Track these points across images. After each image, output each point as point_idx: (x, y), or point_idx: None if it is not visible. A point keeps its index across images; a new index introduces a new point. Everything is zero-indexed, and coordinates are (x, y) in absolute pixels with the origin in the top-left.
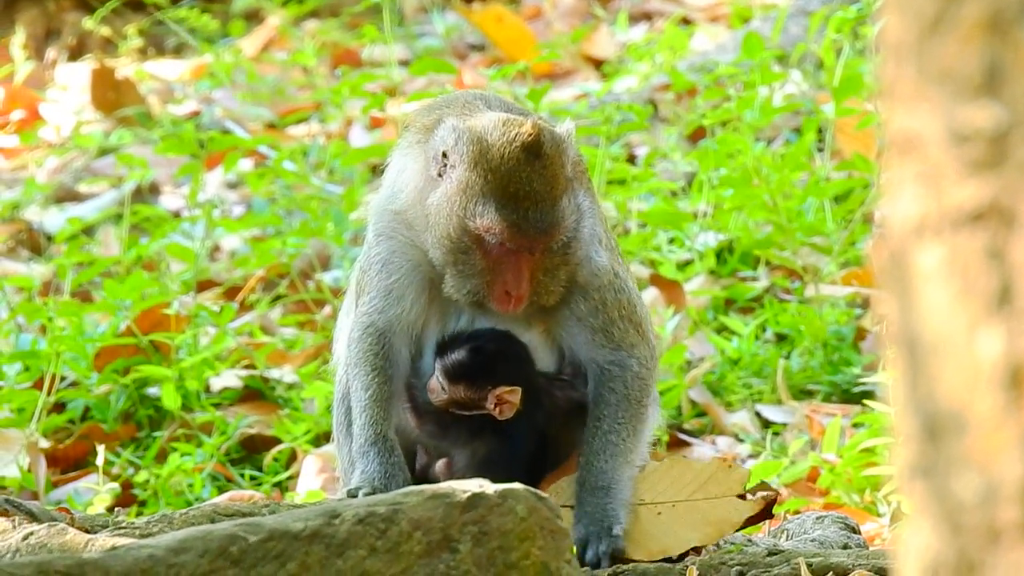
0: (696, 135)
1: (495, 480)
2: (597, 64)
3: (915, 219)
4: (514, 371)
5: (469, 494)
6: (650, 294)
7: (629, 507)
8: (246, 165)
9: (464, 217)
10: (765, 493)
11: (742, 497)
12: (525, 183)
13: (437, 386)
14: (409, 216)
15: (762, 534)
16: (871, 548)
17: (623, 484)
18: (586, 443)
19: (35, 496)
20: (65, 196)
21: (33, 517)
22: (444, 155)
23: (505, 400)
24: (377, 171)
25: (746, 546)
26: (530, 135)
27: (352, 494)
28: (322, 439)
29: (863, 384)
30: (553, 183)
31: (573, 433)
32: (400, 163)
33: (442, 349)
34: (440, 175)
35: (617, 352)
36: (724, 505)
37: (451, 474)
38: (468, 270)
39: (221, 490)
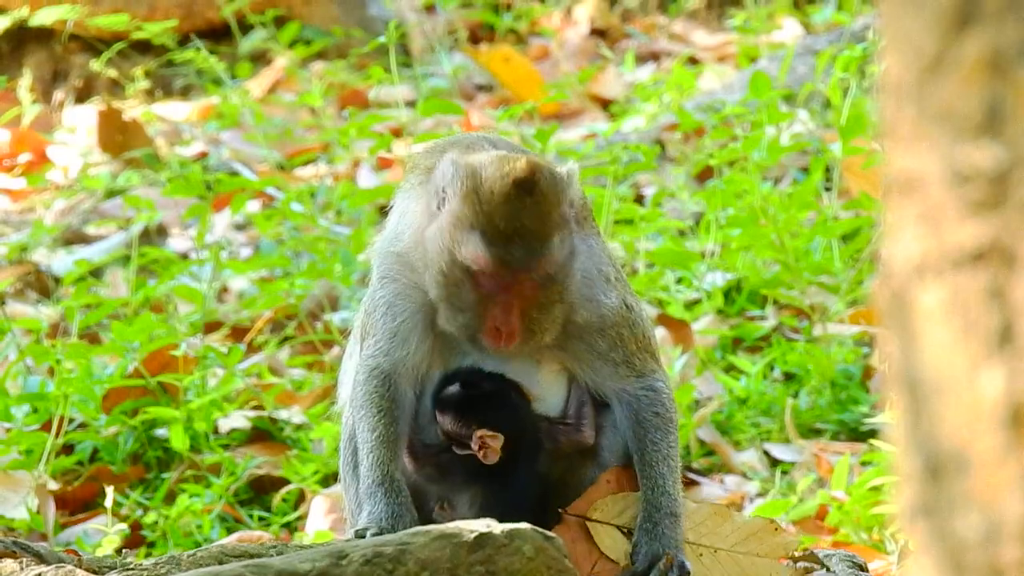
0: (704, 175)
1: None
2: (604, 104)
3: (916, 259)
4: (502, 417)
5: (476, 534)
6: (658, 334)
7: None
8: (254, 206)
9: (453, 248)
10: (809, 564)
11: (786, 560)
12: (514, 218)
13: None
14: (412, 257)
15: None
16: None
17: (683, 512)
18: (648, 465)
19: (44, 538)
20: (73, 238)
21: (41, 559)
22: (442, 190)
23: (487, 444)
24: (384, 212)
25: None
26: (524, 171)
27: (359, 535)
28: (331, 480)
29: (871, 422)
30: (544, 220)
31: (578, 476)
32: (403, 205)
33: (444, 381)
34: (439, 208)
35: (644, 379)
36: (766, 565)
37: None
38: (459, 304)
39: (230, 531)
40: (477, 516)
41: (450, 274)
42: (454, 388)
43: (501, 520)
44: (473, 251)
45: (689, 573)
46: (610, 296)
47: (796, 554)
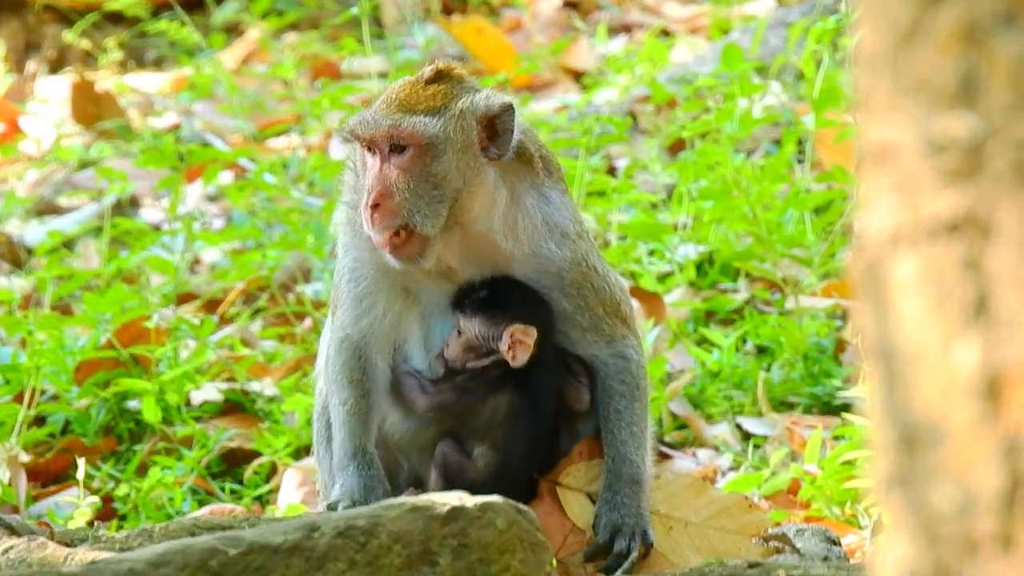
0: (676, 147)
1: (521, 437)
2: (577, 76)
3: (891, 229)
4: (529, 311)
5: (449, 507)
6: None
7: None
8: (226, 178)
9: (348, 126)
10: (779, 544)
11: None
12: (394, 91)
13: (453, 335)
14: (358, 221)
15: None
16: (852, 560)
17: (649, 477)
18: (610, 433)
19: (15, 510)
20: (45, 209)
21: (13, 531)
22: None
23: (519, 340)
24: None
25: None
26: (433, 67)
27: (332, 507)
28: (303, 452)
29: (843, 396)
30: (425, 101)
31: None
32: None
33: (461, 294)
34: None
35: (613, 345)
36: (735, 542)
37: (463, 451)
38: (356, 196)
39: (202, 504)
40: (504, 431)
41: (352, 168)
42: (478, 290)
43: (527, 432)
44: (352, 118)
45: (651, 544)
46: (564, 249)
47: (767, 533)
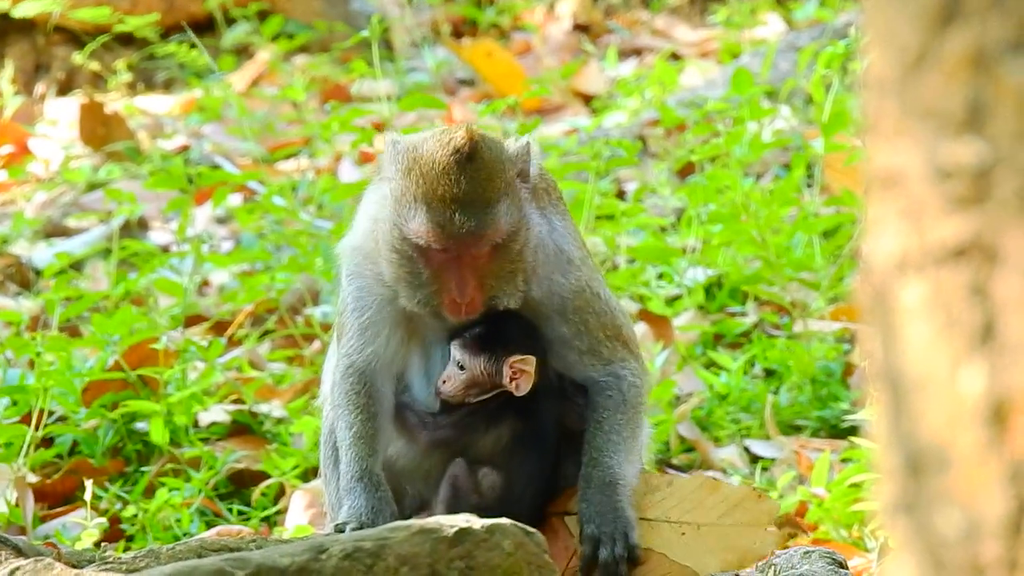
0: (685, 170)
1: (525, 461)
2: (587, 99)
3: (898, 255)
4: (525, 340)
5: (456, 529)
6: (639, 329)
7: (634, 504)
8: (235, 200)
9: (400, 224)
10: (792, 529)
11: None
12: (454, 185)
13: (453, 370)
14: (370, 248)
15: (751, 568)
16: None
17: (629, 480)
18: (588, 443)
19: (23, 531)
20: (54, 231)
21: (20, 552)
22: (390, 170)
23: (519, 370)
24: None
25: None
26: (462, 139)
27: (339, 529)
28: (310, 474)
29: (851, 419)
30: (486, 187)
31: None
32: (365, 199)
33: (455, 335)
34: (389, 192)
35: (609, 366)
36: (750, 534)
37: (473, 473)
38: (414, 280)
39: (209, 525)
40: (506, 460)
41: (401, 251)
42: (476, 328)
43: (530, 459)
44: (418, 225)
45: (635, 545)
46: (569, 277)
47: (778, 520)
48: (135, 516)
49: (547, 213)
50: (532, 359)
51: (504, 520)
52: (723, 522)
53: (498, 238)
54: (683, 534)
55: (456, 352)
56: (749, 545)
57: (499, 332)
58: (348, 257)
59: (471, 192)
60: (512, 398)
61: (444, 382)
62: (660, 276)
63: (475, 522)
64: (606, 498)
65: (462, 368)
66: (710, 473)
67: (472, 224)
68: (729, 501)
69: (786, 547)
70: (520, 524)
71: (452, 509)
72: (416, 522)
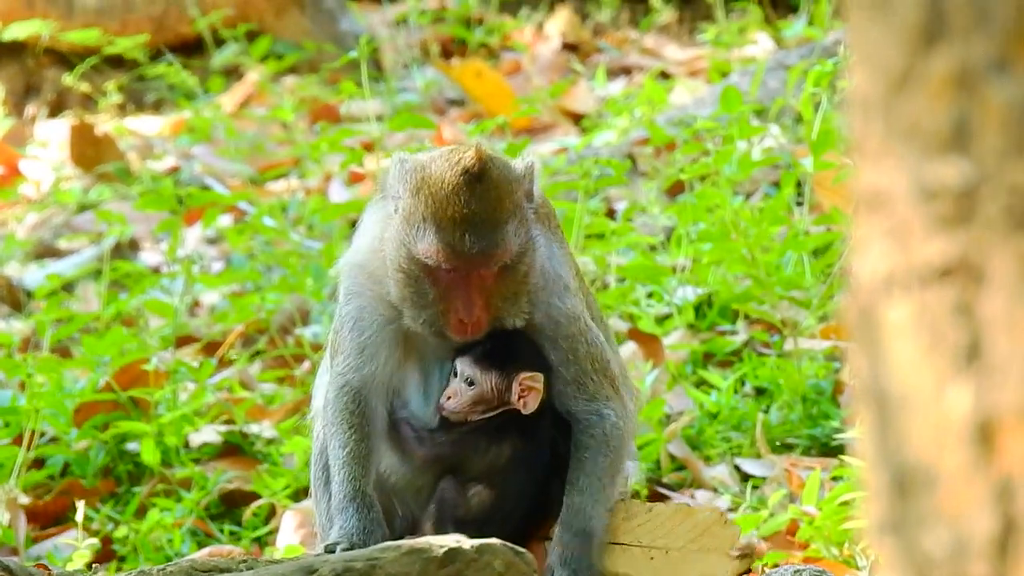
0: (675, 189)
1: (519, 480)
2: (576, 118)
3: (884, 274)
4: (534, 358)
5: (446, 549)
6: (629, 348)
7: (604, 552)
8: (225, 221)
9: (408, 244)
10: (743, 546)
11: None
12: (464, 205)
13: (461, 386)
14: (375, 268)
15: None
16: None
17: (602, 530)
18: (569, 483)
19: (15, 552)
20: (44, 252)
21: (11, 573)
22: (396, 189)
23: (529, 387)
24: (355, 227)
25: None
26: (472, 159)
27: (330, 549)
28: (301, 494)
29: (842, 437)
30: (495, 206)
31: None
32: (366, 218)
33: (460, 351)
34: (396, 211)
35: (593, 403)
36: (711, 560)
37: (465, 491)
38: (421, 300)
39: (201, 545)
40: (502, 479)
41: (409, 271)
42: (484, 344)
43: (525, 479)
44: (427, 245)
45: None
46: (566, 303)
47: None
48: (127, 537)
49: (548, 238)
50: (541, 376)
51: (494, 540)
52: (690, 547)
53: (507, 258)
54: (651, 558)
55: (465, 368)
56: (710, 571)
57: (508, 348)
58: (347, 275)
59: (481, 212)
60: (513, 416)
61: (449, 398)
62: (650, 295)
63: (465, 542)
64: (581, 548)
65: (471, 384)
66: (701, 492)
67: (482, 244)
68: (699, 527)
69: (777, 565)
70: (510, 544)
71: (440, 526)
72: (406, 542)
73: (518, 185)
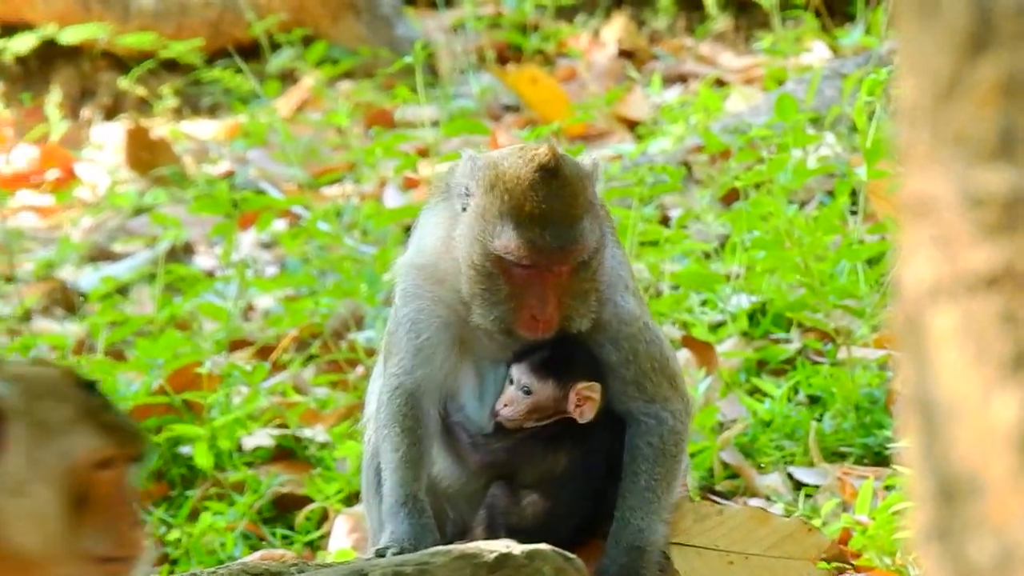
0: (729, 197)
1: (573, 492)
2: (631, 125)
3: (930, 282)
4: (590, 367)
5: (496, 554)
6: (682, 356)
7: (658, 566)
8: (280, 225)
9: (484, 240)
10: (841, 564)
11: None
12: (542, 201)
13: (517, 395)
14: (438, 268)
15: None
16: None
17: (656, 544)
18: (622, 497)
19: None
20: (99, 255)
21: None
22: (465, 188)
23: (586, 397)
24: (410, 232)
25: None
26: (546, 155)
27: (380, 554)
28: (354, 499)
29: (895, 446)
30: (571, 202)
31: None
32: (425, 220)
33: (516, 358)
34: (464, 209)
35: (651, 405)
36: (798, 568)
37: (519, 499)
38: (493, 296)
39: (253, 549)
40: (554, 489)
41: (482, 268)
42: (543, 352)
43: (576, 491)
44: (506, 240)
45: None
46: (628, 301)
47: (827, 555)
48: (179, 540)
49: (608, 238)
50: (598, 386)
51: (544, 546)
52: (771, 554)
53: (584, 255)
54: (730, 563)
55: (522, 376)
56: None
57: (565, 357)
58: (405, 276)
59: (558, 208)
60: (568, 424)
61: (505, 406)
62: (704, 303)
63: (515, 548)
64: (630, 561)
65: (528, 393)
66: (755, 500)
67: (560, 240)
68: (779, 533)
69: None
70: (559, 550)
71: (492, 531)
72: (457, 547)
73: (589, 182)
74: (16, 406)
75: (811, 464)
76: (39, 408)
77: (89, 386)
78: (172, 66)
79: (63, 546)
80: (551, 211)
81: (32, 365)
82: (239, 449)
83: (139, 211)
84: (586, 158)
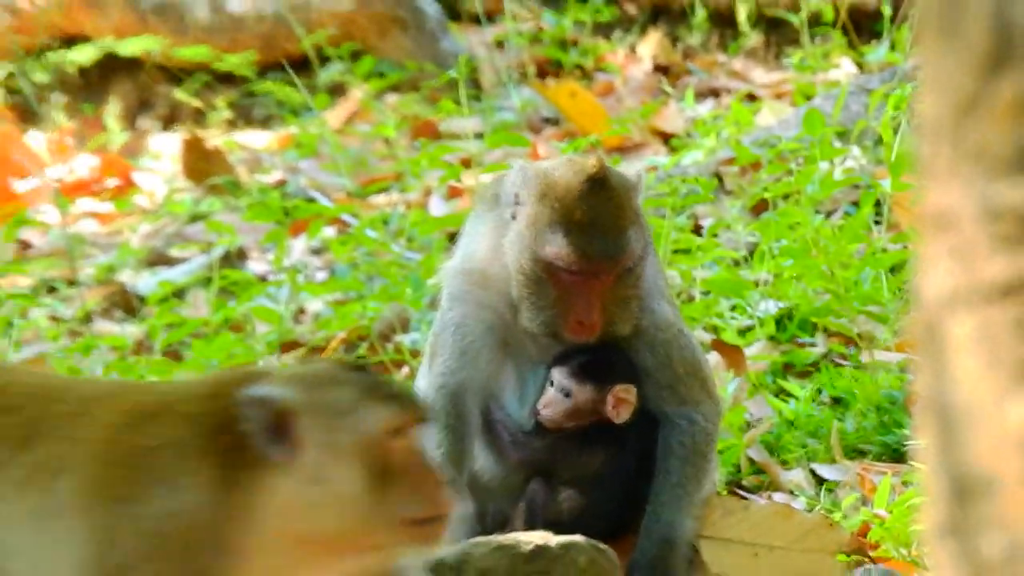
0: (759, 207)
1: (609, 489)
2: (666, 138)
3: (948, 291)
4: (625, 369)
5: (533, 546)
6: (712, 358)
7: (685, 558)
8: (329, 232)
9: (534, 247)
10: (861, 558)
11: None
12: (591, 211)
13: (557, 397)
14: (485, 274)
15: None
16: None
17: (686, 538)
18: (654, 492)
19: None
20: (157, 260)
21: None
22: (516, 196)
23: (622, 399)
24: (453, 239)
25: None
26: (595, 167)
27: None
28: None
29: (912, 444)
30: (618, 212)
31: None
32: (471, 228)
33: (556, 361)
34: (514, 217)
35: (684, 407)
36: (818, 562)
37: (556, 495)
38: (541, 301)
39: None
40: (590, 488)
41: (531, 273)
42: (583, 357)
43: (610, 490)
44: (556, 247)
45: None
46: (664, 308)
47: (849, 551)
48: None
49: (648, 243)
50: (634, 389)
51: (578, 537)
52: (793, 547)
53: (629, 263)
54: (755, 555)
55: (563, 379)
56: (816, 571)
57: (603, 362)
58: (452, 281)
59: (606, 217)
60: (604, 425)
61: (545, 407)
62: (733, 308)
63: (551, 539)
64: (661, 555)
65: (567, 395)
66: (779, 495)
67: (607, 249)
68: (801, 528)
69: (862, 563)
70: (593, 541)
71: (530, 525)
72: (495, 538)
73: (634, 193)
74: (300, 403)
75: (833, 461)
76: (322, 398)
77: (360, 368)
78: (226, 78)
79: (376, 517)
80: (599, 220)
81: (300, 364)
82: None
83: (195, 218)
84: (630, 170)
